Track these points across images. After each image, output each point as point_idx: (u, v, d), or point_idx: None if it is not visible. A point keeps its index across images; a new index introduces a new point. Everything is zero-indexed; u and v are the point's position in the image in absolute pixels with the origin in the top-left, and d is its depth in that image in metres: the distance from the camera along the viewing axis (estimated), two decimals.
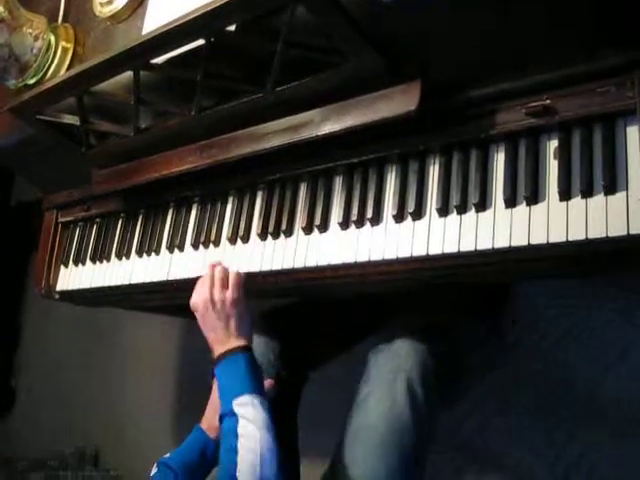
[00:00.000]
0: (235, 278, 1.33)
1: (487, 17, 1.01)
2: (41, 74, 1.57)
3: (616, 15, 0.93)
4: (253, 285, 1.40)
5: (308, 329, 1.69)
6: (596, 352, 1.74)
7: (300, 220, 1.34)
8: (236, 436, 1.17)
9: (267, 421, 1.20)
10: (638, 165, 0.94)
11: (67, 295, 1.87)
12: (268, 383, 1.44)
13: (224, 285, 1.32)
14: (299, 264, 1.31)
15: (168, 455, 1.35)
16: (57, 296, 1.88)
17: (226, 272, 1.35)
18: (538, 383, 1.81)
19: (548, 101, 1.04)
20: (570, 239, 0.99)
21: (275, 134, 1.28)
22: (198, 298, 1.33)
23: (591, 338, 1.76)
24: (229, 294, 1.31)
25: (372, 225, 1.23)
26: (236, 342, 1.29)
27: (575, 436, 1.73)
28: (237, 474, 1.13)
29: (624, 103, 0.98)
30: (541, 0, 0.96)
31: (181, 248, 1.55)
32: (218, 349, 1.29)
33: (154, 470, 1.33)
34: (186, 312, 2.28)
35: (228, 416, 1.21)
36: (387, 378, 1.34)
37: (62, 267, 1.87)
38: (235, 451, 1.15)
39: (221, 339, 1.30)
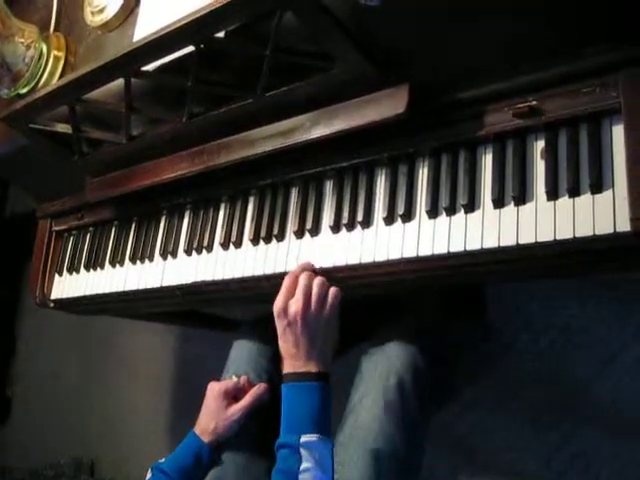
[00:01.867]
0: (334, 297, 1.23)
1: (473, 20, 1.03)
2: (33, 83, 1.58)
3: (600, 16, 0.94)
4: (246, 290, 1.41)
5: None
6: (589, 352, 1.76)
7: (292, 224, 1.35)
8: (295, 478, 1.11)
9: (329, 467, 1.14)
10: (623, 164, 0.95)
11: (62, 303, 1.87)
12: (263, 387, 1.44)
13: (320, 302, 1.22)
14: (291, 268, 1.31)
15: (162, 460, 1.36)
16: (52, 304, 1.88)
17: (326, 287, 1.24)
18: (532, 383, 1.82)
19: (534, 102, 1.05)
20: (558, 238, 0.99)
21: (265, 139, 1.29)
22: (288, 305, 1.22)
23: (584, 338, 1.77)
24: (325, 314, 1.22)
25: (363, 228, 1.24)
26: (316, 367, 1.19)
27: (569, 435, 1.74)
28: None
29: (609, 103, 0.98)
30: (526, 2, 0.97)
31: (174, 254, 1.55)
32: (295, 364, 1.21)
33: (148, 475, 1.34)
34: (182, 319, 2.32)
35: (290, 451, 1.14)
36: (380, 380, 1.34)
37: (56, 275, 1.88)
38: None
39: (300, 358, 1.20)
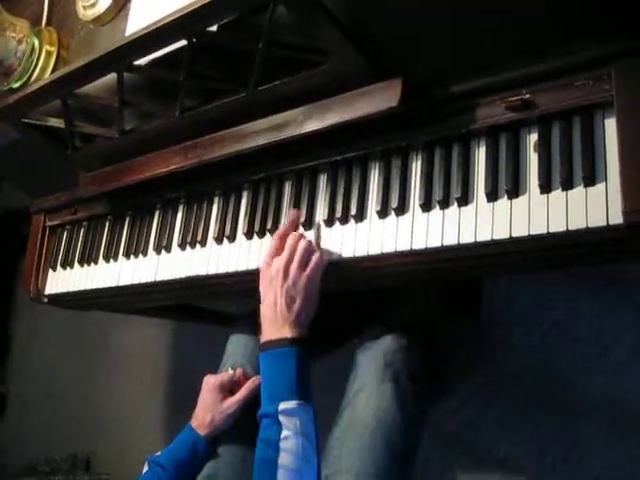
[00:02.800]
0: (318, 259, 1.22)
1: (466, 13, 1.02)
2: (25, 78, 1.58)
3: (592, 9, 0.94)
4: (240, 284, 1.41)
5: None
6: (582, 346, 1.76)
7: (285, 218, 1.35)
8: (277, 449, 1.08)
9: (312, 433, 1.12)
10: (616, 156, 0.95)
11: (56, 299, 1.87)
12: (259, 380, 1.44)
13: (304, 261, 1.22)
14: None
15: (159, 453, 1.36)
16: (46, 300, 1.88)
17: (310, 249, 1.24)
18: (525, 377, 1.83)
19: (527, 95, 1.05)
20: (551, 231, 1.00)
21: (259, 133, 1.29)
22: (271, 258, 1.24)
23: (577, 332, 1.77)
24: (306, 273, 1.20)
25: (356, 222, 1.24)
26: (292, 331, 1.17)
27: (562, 429, 1.75)
28: None
29: (602, 96, 0.99)
30: None
31: (168, 249, 1.55)
32: (270, 332, 1.19)
33: (145, 468, 1.34)
34: (177, 314, 2.32)
35: (270, 420, 1.12)
36: (375, 374, 1.35)
37: (50, 271, 1.87)
38: (274, 466, 1.07)
39: (277, 321, 1.18)
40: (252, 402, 1.39)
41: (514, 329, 1.86)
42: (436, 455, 1.91)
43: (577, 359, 1.76)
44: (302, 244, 1.23)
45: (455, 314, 1.74)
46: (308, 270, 1.21)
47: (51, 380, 3.52)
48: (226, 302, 2.25)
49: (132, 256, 1.63)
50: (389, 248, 1.18)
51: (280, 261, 1.21)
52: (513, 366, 1.85)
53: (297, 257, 1.21)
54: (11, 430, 3.70)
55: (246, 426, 1.40)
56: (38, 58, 1.56)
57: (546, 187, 1.02)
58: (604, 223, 0.95)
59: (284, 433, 1.09)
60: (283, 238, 1.26)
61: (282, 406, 1.11)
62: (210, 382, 1.41)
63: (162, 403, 2.95)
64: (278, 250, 1.25)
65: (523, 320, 1.85)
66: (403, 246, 1.17)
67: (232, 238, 1.42)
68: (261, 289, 1.24)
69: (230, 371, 1.44)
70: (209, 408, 1.38)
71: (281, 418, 1.10)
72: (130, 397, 3.11)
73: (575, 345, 1.77)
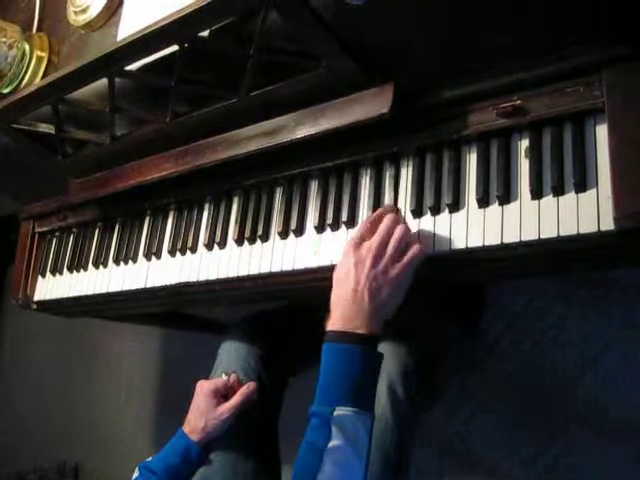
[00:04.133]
0: (417, 249, 1.08)
1: (457, 19, 1.03)
2: (16, 83, 1.57)
3: (583, 15, 0.95)
4: (230, 291, 1.41)
5: (289, 334, 1.70)
6: (573, 353, 1.77)
7: (276, 225, 1.35)
8: (321, 458, 0.98)
9: (363, 447, 1.01)
10: (607, 162, 0.96)
11: (45, 305, 1.86)
12: (253, 386, 1.43)
13: (399, 249, 1.08)
14: (276, 268, 1.31)
15: (150, 459, 1.35)
16: (35, 306, 1.87)
17: (409, 236, 1.10)
18: (517, 384, 1.83)
19: (518, 101, 1.05)
20: (542, 237, 1.00)
21: (250, 139, 1.29)
22: (361, 240, 1.10)
23: (568, 338, 1.78)
24: (402, 262, 1.07)
25: (347, 228, 1.24)
26: (366, 327, 1.03)
27: (554, 435, 1.75)
28: None
29: (593, 102, 0.99)
30: (509, 1, 0.97)
31: (158, 255, 1.55)
32: (339, 321, 1.05)
33: (136, 474, 1.33)
34: (167, 321, 2.31)
35: (320, 422, 1.01)
36: None
37: (39, 277, 1.86)
38: (312, 476, 0.97)
39: (352, 309, 1.04)
40: (245, 409, 1.39)
41: (505, 336, 1.86)
42: (427, 462, 1.91)
43: (567, 365, 1.77)
44: (400, 229, 1.10)
45: (449, 318, 1.74)
46: (405, 259, 1.07)
47: (40, 388, 3.50)
48: (216, 309, 2.24)
49: (122, 262, 1.63)
50: None
51: (373, 242, 1.08)
52: (504, 373, 1.86)
53: (393, 242, 1.08)
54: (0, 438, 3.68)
55: (239, 433, 1.40)
56: (29, 63, 1.55)
57: (537, 193, 1.03)
58: (595, 229, 0.96)
59: (333, 442, 0.98)
60: (375, 224, 1.12)
61: (337, 412, 0.99)
62: (204, 387, 1.40)
63: (151, 411, 2.94)
64: (368, 228, 1.11)
65: (514, 327, 1.85)
66: None
67: (223, 244, 1.42)
68: (338, 271, 1.10)
69: (224, 376, 1.43)
70: (202, 414, 1.37)
71: (333, 425, 0.99)
72: (119, 405, 3.10)
73: (565, 351, 1.77)
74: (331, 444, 0.97)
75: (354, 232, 1.14)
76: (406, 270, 1.06)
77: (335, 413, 0.99)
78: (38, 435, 3.43)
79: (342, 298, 1.06)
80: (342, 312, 1.05)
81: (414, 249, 1.08)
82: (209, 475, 1.36)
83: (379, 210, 1.16)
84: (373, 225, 1.11)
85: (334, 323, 1.05)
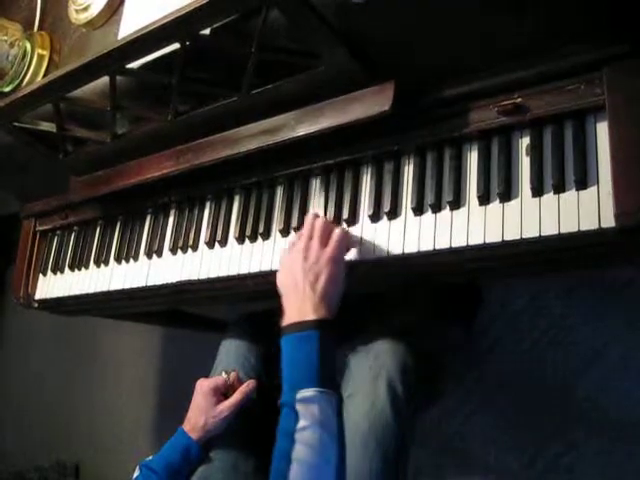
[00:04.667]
0: (339, 234, 1.17)
1: (458, 18, 1.03)
2: (17, 82, 1.57)
3: (584, 14, 0.95)
4: (231, 289, 1.41)
5: None
6: (573, 351, 1.77)
7: (277, 223, 1.35)
8: (292, 440, 1.00)
9: (333, 425, 1.03)
10: (607, 160, 0.96)
11: (46, 304, 1.86)
12: (252, 384, 1.43)
13: (324, 238, 1.16)
14: (277, 266, 1.31)
15: (150, 457, 1.35)
16: (36, 305, 1.87)
17: (329, 226, 1.19)
18: (517, 383, 1.83)
19: (519, 99, 1.05)
20: (543, 234, 1.00)
21: (251, 137, 1.29)
22: (293, 244, 1.20)
23: (568, 338, 1.78)
24: (328, 249, 1.14)
25: (349, 226, 1.24)
26: (315, 313, 1.08)
27: (553, 435, 1.75)
28: None
29: (593, 100, 0.99)
30: (512, 1, 0.98)
31: (159, 254, 1.55)
32: (290, 314, 1.11)
33: (136, 473, 1.33)
34: (167, 320, 2.31)
35: (287, 409, 1.04)
36: (368, 378, 1.34)
37: (40, 276, 1.86)
38: (288, 459, 0.99)
39: (300, 302, 1.10)
40: (245, 407, 1.39)
41: (504, 335, 1.86)
42: (427, 461, 1.91)
43: (567, 365, 1.77)
44: (320, 221, 1.19)
45: (447, 316, 1.74)
46: (330, 246, 1.15)
47: (40, 387, 3.50)
48: (217, 307, 2.24)
49: (123, 261, 1.63)
50: (381, 252, 1.18)
51: (299, 242, 1.17)
52: (504, 372, 1.86)
53: (316, 234, 1.16)
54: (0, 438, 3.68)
55: (239, 431, 1.40)
56: (30, 62, 1.56)
57: (538, 190, 1.03)
58: (596, 226, 0.96)
59: (301, 423, 1.00)
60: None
61: (300, 394, 1.03)
62: (204, 385, 1.40)
63: (152, 410, 2.94)
64: (296, 240, 1.21)
65: (514, 325, 1.85)
66: (395, 250, 1.17)
67: (224, 242, 1.42)
68: (280, 277, 1.18)
69: (224, 374, 1.43)
70: (202, 412, 1.37)
71: (298, 407, 1.02)
72: (119, 404, 3.10)
73: (565, 351, 1.77)
74: (299, 425, 1.00)
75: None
76: (334, 254, 1.14)
77: (299, 396, 1.02)
78: (38, 434, 3.43)
79: (289, 299, 1.13)
80: (291, 309, 1.11)
81: (336, 233, 1.17)
82: (209, 473, 1.36)
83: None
84: (300, 233, 1.21)
85: (287, 319, 1.11)
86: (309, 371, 1.05)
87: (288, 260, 1.17)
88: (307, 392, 1.03)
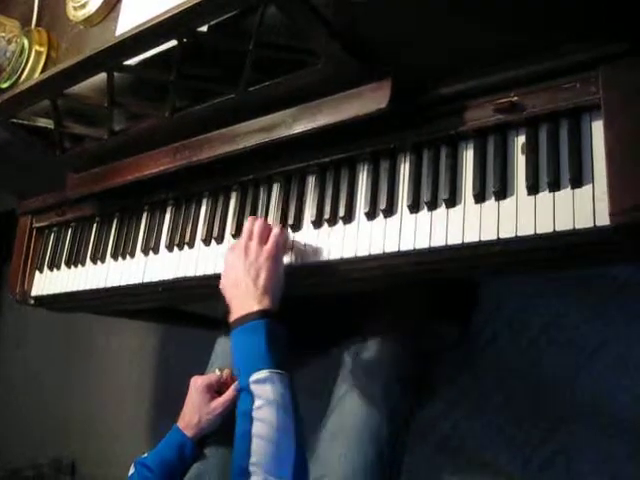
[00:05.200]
0: (277, 234, 1.26)
1: (455, 16, 1.03)
2: (14, 78, 1.57)
3: (579, 12, 0.95)
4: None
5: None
6: (570, 350, 1.77)
7: (273, 220, 1.35)
8: (250, 420, 1.07)
9: (287, 400, 1.09)
10: (603, 159, 0.96)
11: (42, 300, 1.86)
12: None
13: (263, 238, 1.25)
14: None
15: (145, 454, 1.35)
16: (32, 302, 1.87)
17: (267, 227, 1.27)
18: (513, 382, 1.83)
19: (515, 97, 1.06)
20: (538, 232, 1.00)
21: (248, 134, 1.29)
22: (232, 247, 1.27)
23: (565, 337, 1.78)
24: (267, 246, 1.23)
25: (344, 223, 1.24)
26: (259, 305, 1.16)
27: (550, 433, 1.75)
28: (250, 467, 1.04)
29: (589, 98, 0.99)
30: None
31: (156, 250, 1.55)
32: (236, 310, 1.18)
33: (131, 470, 1.33)
34: (163, 317, 2.31)
35: (244, 393, 1.11)
36: (363, 377, 1.35)
37: (37, 272, 1.87)
38: (249, 437, 1.06)
39: (243, 297, 1.18)
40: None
41: (502, 333, 1.86)
42: (422, 459, 1.91)
43: (564, 363, 1.77)
44: (258, 222, 1.27)
45: (443, 315, 1.74)
46: (269, 243, 1.23)
47: (37, 384, 3.50)
48: (213, 305, 2.24)
49: (120, 257, 1.63)
50: (377, 250, 1.19)
51: (239, 242, 1.26)
52: (500, 370, 1.86)
53: (255, 234, 1.24)
54: None
55: (233, 427, 1.40)
56: (28, 58, 1.56)
57: (533, 188, 1.03)
58: (591, 224, 0.96)
59: (257, 403, 1.07)
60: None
61: (254, 377, 1.09)
62: (197, 383, 1.40)
63: (148, 407, 2.94)
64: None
65: (511, 324, 1.86)
66: (391, 247, 1.17)
67: (220, 239, 1.43)
68: (223, 275, 1.26)
69: (217, 372, 1.44)
70: (196, 409, 1.37)
71: (253, 387, 1.08)
72: (116, 401, 3.10)
73: (562, 349, 1.78)
74: (256, 404, 1.07)
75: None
76: (273, 251, 1.22)
77: (252, 378, 1.09)
78: (35, 431, 3.43)
79: (233, 295, 1.21)
80: (236, 305, 1.19)
81: (274, 232, 1.25)
82: (204, 470, 1.36)
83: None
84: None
85: (234, 315, 1.18)
86: (260, 356, 1.11)
87: (230, 260, 1.25)
88: (260, 374, 1.09)
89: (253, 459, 1.03)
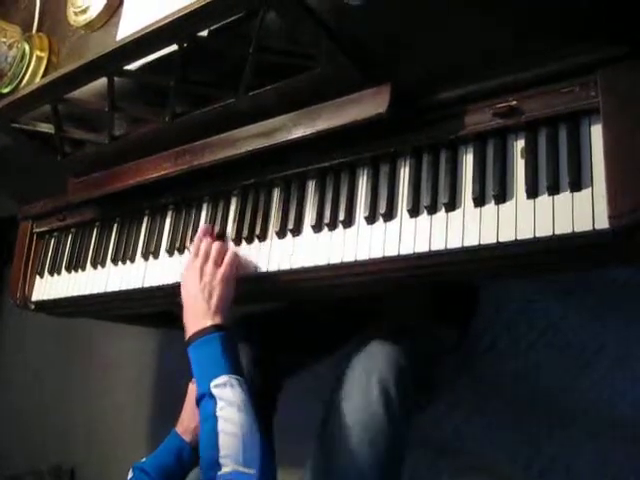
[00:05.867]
0: (231, 256, 1.34)
1: (454, 20, 1.04)
2: (15, 83, 1.58)
3: (578, 16, 0.95)
4: None
5: (283, 337, 1.70)
6: (569, 354, 1.76)
7: (273, 224, 1.35)
8: (215, 419, 1.13)
9: (246, 402, 1.17)
10: (602, 162, 0.96)
11: (43, 305, 1.86)
12: None
13: (218, 260, 1.34)
14: (273, 268, 1.32)
15: (144, 459, 1.35)
16: (33, 307, 1.87)
17: (223, 248, 1.37)
18: (513, 385, 1.83)
19: (514, 102, 1.06)
20: (538, 235, 1.01)
21: (248, 139, 1.30)
22: (191, 264, 1.35)
23: (564, 340, 1.78)
24: (221, 269, 1.32)
25: (344, 227, 1.25)
26: (212, 321, 1.26)
27: (550, 437, 1.75)
28: (220, 460, 1.09)
29: (588, 102, 1.00)
30: (507, 3, 0.98)
31: (156, 255, 1.55)
32: (192, 328, 1.27)
33: (130, 475, 1.33)
34: (163, 322, 2.31)
35: (206, 398, 1.18)
36: (361, 379, 1.35)
37: (37, 277, 1.87)
38: (215, 434, 1.12)
39: (197, 315, 1.28)
40: None
41: (501, 336, 1.86)
42: (422, 463, 1.91)
43: (563, 366, 1.76)
44: (215, 245, 1.36)
45: (443, 318, 1.74)
46: (222, 267, 1.32)
47: (37, 390, 3.49)
48: None
49: (120, 262, 1.63)
50: (377, 254, 1.19)
51: (196, 262, 1.34)
52: (500, 373, 1.85)
53: (211, 257, 1.34)
54: None
55: None
56: (29, 63, 1.56)
57: (533, 192, 1.03)
58: (590, 228, 0.96)
59: (219, 404, 1.14)
60: (197, 247, 1.38)
61: (214, 382, 1.17)
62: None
63: (149, 413, 2.93)
64: (194, 259, 1.36)
65: (510, 327, 1.85)
66: (391, 251, 1.17)
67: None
68: (182, 293, 1.34)
69: None
70: (194, 414, 1.37)
71: (214, 392, 1.16)
72: (117, 407, 3.09)
73: (561, 353, 1.77)
74: (219, 406, 1.14)
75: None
76: (226, 274, 1.32)
77: (213, 384, 1.17)
78: (35, 437, 3.42)
79: (188, 311, 1.31)
80: (191, 322, 1.28)
81: (229, 255, 1.35)
82: None
83: (197, 235, 1.42)
84: (196, 248, 1.38)
85: (188, 332, 1.27)
86: (218, 364, 1.20)
87: (187, 280, 1.35)
88: (220, 379, 1.17)
89: (222, 452, 1.10)
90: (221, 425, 1.12)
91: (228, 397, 1.15)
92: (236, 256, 1.36)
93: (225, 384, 1.17)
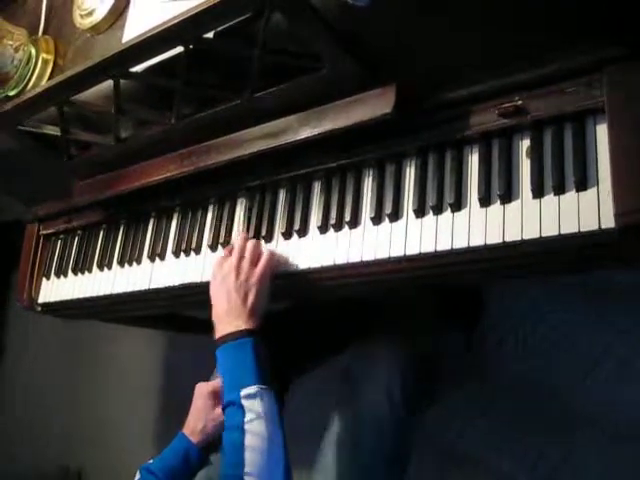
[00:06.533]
0: (268, 256, 1.29)
1: (460, 21, 1.04)
2: (22, 85, 1.58)
3: (583, 15, 0.96)
4: None
5: (291, 337, 1.70)
6: (575, 356, 1.76)
7: (280, 225, 1.36)
8: (242, 432, 1.10)
9: (276, 416, 1.14)
10: (607, 161, 0.96)
11: (49, 307, 1.87)
12: None
13: (254, 259, 1.29)
14: (279, 269, 1.32)
15: (151, 461, 1.35)
16: (39, 308, 1.88)
17: (259, 248, 1.32)
18: (518, 388, 1.83)
19: (520, 102, 1.06)
20: (544, 235, 1.01)
21: (254, 140, 1.30)
22: (224, 261, 1.30)
23: (570, 342, 1.77)
24: (258, 269, 1.27)
25: (350, 228, 1.25)
26: (245, 324, 1.21)
27: (555, 440, 1.75)
28: (244, 477, 1.07)
29: (593, 102, 1.00)
30: (511, 2, 0.99)
31: (162, 257, 1.55)
32: (224, 327, 1.22)
33: (137, 476, 1.34)
34: (168, 325, 2.32)
35: (234, 407, 1.14)
36: (367, 382, 1.35)
37: (44, 279, 1.87)
38: (242, 448, 1.09)
39: (231, 315, 1.23)
40: None
41: (506, 339, 1.86)
42: (428, 466, 1.91)
43: (570, 369, 1.76)
44: (251, 243, 1.31)
45: (450, 322, 1.74)
46: (259, 266, 1.27)
47: (43, 392, 3.50)
48: None
49: (126, 264, 1.64)
50: (383, 254, 1.19)
51: (232, 260, 1.28)
52: (505, 376, 1.85)
53: (248, 255, 1.28)
54: (2, 441, 3.67)
55: None
56: (35, 66, 1.57)
57: (538, 192, 1.03)
58: (596, 227, 0.96)
59: (248, 416, 1.11)
60: (231, 248, 1.34)
61: (244, 392, 1.13)
62: (202, 389, 1.41)
63: (156, 415, 2.94)
64: (228, 255, 1.32)
65: (515, 329, 1.85)
66: (397, 252, 1.17)
67: (226, 245, 1.42)
68: (212, 290, 1.30)
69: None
70: (201, 415, 1.38)
71: (244, 402, 1.12)
72: (123, 409, 3.10)
73: (568, 355, 1.77)
74: (247, 418, 1.11)
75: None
76: (263, 274, 1.27)
77: (243, 393, 1.13)
78: (41, 439, 3.43)
79: (220, 311, 1.25)
80: (224, 322, 1.23)
81: (265, 256, 1.29)
82: (210, 475, 1.36)
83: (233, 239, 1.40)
84: (229, 249, 1.34)
85: (220, 332, 1.22)
86: (249, 372, 1.16)
87: (220, 276, 1.28)
88: (250, 389, 1.14)
89: (247, 469, 1.07)
90: (248, 440, 1.10)
91: (257, 409, 1.12)
92: (273, 256, 1.31)
93: (255, 395, 1.13)
